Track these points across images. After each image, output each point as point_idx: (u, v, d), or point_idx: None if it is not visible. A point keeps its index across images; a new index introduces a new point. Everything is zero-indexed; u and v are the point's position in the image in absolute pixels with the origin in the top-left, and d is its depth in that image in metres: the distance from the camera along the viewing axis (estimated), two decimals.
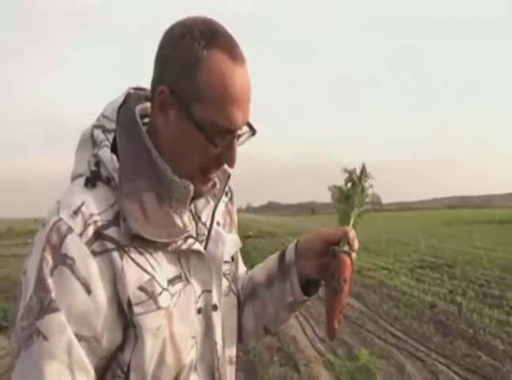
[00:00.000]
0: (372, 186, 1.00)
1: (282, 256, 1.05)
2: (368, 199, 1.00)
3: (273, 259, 1.09)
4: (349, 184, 1.00)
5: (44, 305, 0.74)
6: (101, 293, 0.78)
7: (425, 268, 11.48)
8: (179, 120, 0.86)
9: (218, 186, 0.99)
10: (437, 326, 6.37)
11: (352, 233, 0.96)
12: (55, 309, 0.74)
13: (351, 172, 1.00)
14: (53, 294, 0.74)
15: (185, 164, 0.88)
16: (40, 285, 0.75)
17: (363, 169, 1.00)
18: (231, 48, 0.85)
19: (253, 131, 0.92)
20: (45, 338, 0.74)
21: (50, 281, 0.75)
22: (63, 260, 0.75)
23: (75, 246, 0.76)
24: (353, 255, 0.96)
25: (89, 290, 0.77)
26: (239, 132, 0.89)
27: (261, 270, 1.11)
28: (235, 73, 0.84)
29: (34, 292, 0.75)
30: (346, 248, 0.96)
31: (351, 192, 0.99)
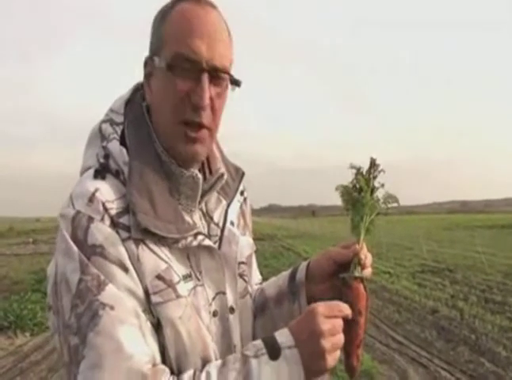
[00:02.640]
0: (383, 185, 0.89)
1: (293, 276, 1.02)
2: (381, 202, 0.88)
3: (284, 276, 1.06)
4: (357, 187, 0.88)
5: (101, 280, 0.75)
6: (134, 270, 0.78)
7: (426, 273, 11.43)
8: (157, 76, 0.87)
9: (225, 177, 0.96)
10: (439, 331, 6.33)
11: (363, 252, 0.90)
12: (109, 283, 0.75)
13: (357, 173, 0.89)
14: (101, 276, 0.75)
15: (164, 118, 0.87)
16: (88, 269, 0.75)
17: (372, 166, 0.88)
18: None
19: (235, 81, 0.89)
20: (111, 307, 0.74)
21: (92, 266, 0.75)
22: (92, 251, 0.76)
23: (101, 233, 0.77)
24: (367, 272, 0.90)
25: (126, 269, 0.77)
26: (217, 75, 0.86)
27: (273, 285, 1.08)
28: (197, 11, 0.85)
29: (83, 276, 0.75)
30: (358, 271, 0.87)
31: (359, 199, 0.88)
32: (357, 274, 0.87)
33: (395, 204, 0.90)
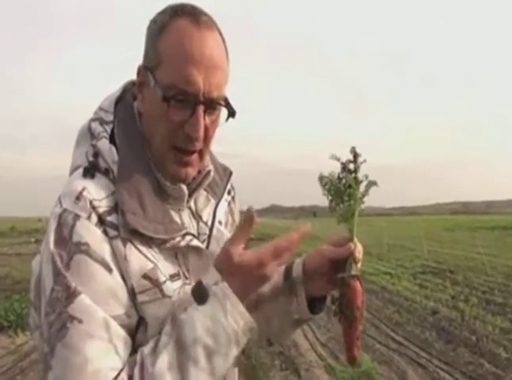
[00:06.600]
0: (367, 176, 0.89)
1: (288, 273, 1.02)
2: (364, 188, 0.90)
3: (277, 272, 1.03)
4: (345, 182, 0.89)
5: (71, 291, 0.74)
6: (118, 271, 0.78)
7: (427, 274, 11.42)
8: (151, 94, 0.85)
9: (212, 174, 0.96)
10: (440, 332, 6.33)
11: (358, 249, 0.91)
12: (81, 293, 0.74)
13: (344, 168, 0.89)
14: (74, 284, 0.74)
15: (156, 140, 0.86)
16: (59, 278, 0.74)
17: (355, 158, 0.88)
18: (196, 16, 0.84)
19: (231, 111, 0.88)
20: (80, 321, 0.73)
21: (68, 273, 0.74)
22: (77, 248, 0.75)
23: (86, 230, 0.76)
24: (359, 266, 0.91)
25: (109, 269, 0.77)
26: (213, 106, 0.85)
27: None
28: (195, 35, 0.82)
29: (54, 285, 0.74)
30: (354, 270, 0.90)
31: (350, 192, 0.88)
32: (353, 272, 0.89)
33: (374, 186, 0.90)
